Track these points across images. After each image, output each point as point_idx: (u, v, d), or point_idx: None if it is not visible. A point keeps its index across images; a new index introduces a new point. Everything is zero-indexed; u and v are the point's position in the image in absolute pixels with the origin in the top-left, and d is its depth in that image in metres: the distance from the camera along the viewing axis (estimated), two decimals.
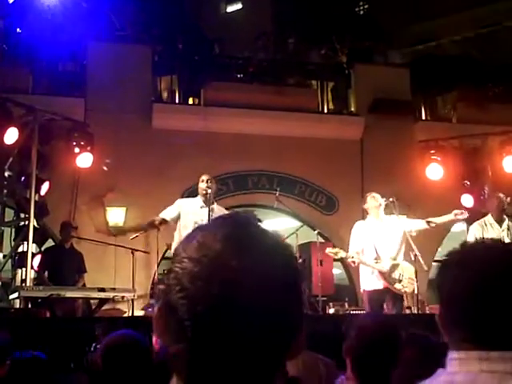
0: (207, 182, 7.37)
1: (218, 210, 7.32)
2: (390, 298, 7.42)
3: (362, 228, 7.61)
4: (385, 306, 7.47)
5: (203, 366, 0.87)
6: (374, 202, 7.62)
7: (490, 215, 8.07)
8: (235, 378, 0.87)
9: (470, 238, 7.93)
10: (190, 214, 7.28)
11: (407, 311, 7.94)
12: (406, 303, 7.81)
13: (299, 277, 0.93)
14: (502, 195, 8.07)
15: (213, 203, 7.34)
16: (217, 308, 0.86)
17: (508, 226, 7.94)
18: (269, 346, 0.88)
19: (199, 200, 7.46)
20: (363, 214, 8.64)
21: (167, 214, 7.41)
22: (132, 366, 3.00)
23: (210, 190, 7.28)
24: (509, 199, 8.10)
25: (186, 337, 0.87)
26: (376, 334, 2.71)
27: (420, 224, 7.72)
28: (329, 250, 7.70)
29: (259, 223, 0.95)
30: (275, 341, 0.89)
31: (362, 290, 7.65)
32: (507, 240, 7.67)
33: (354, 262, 7.46)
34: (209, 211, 7.13)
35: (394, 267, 7.45)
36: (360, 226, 7.67)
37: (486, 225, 7.97)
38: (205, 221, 7.10)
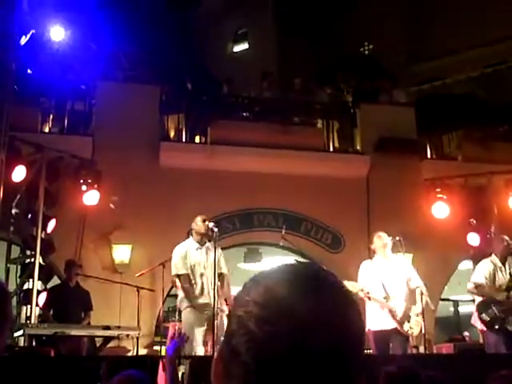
0: (207, 221, 7.48)
1: (212, 248, 7.36)
2: (396, 338, 7.35)
3: (369, 267, 7.59)
4: (390, 345, 7.40)
5: None
6: (380, 241, 7.61)
7: (494, 256, 8.02)
8: None
9: (482, 273, 7.82)
10: (187, 258, 7.42)
11: (414, 351, 7.86)
12: (412, 343, 7.73)
13: (363, 323, 0.93)
14: (507, 238, 8.02)
15: (205, 243, 7.44)
16: (284, 353, 0.83)
17: (510, 268, 7.89)
18: None
19: (192, 242, 7.56)
20: (369, 252, 8.61)
21: (181, 267, 7.46)
22: None
23: (211, 224, 7.36)
24: None
25: (250, 382, 0.85)
26: (402, 380, 2.73)
27: (416, 284, 7.59)
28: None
29: (326, 272, 0.94)
30: None
31: (367, 330, 7.56)
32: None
33: (368, 298, 7.39)
34: (215, 249, 7.20)
35: (403, 307, 7.39)
36: (367, 265, 7.65)
37: (494, 265, 7.92)
38: (202, 261, 7.24)
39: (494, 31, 17.56)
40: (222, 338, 0.94)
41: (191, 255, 7.42)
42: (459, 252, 10.56)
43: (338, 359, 0.85)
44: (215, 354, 0.94)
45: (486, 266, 7.90)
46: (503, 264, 7.90)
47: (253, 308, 0.87)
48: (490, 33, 17.63)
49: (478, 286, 7.77)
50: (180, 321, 8.26)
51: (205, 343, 7.20)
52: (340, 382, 0.86)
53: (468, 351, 8.30)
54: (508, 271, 7.85)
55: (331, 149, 12.03)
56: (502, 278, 7.81)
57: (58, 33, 10.63)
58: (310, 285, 0.89)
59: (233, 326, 0.89)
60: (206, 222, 7.46)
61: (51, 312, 8.41)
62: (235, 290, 7.94)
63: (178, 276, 7.45)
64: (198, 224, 7.51)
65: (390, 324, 7.31)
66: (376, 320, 7.37)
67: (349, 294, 0.93)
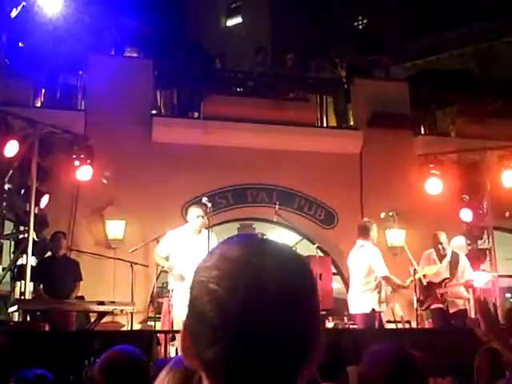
0: (203, 217, 7.64)
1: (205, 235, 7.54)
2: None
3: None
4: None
5: (237, 366, 0.92)
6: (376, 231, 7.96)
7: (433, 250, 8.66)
8: (265, 378, 0.93)
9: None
10: (181, 243, 7.54)
11: (407, 325, 7.95)
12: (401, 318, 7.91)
13: (315, 280, 1.01)
14: (438, 233, 8.44)
15: (200, 231, 7.67)
16: (242, 303, 0.91)
17: (449, 260, 8.40)
18: (291, 343, 0.94)
19: (189, 229, 7.74)
20: None
21: (163, 249, 7.83)
22: (130, 381, 3.01)
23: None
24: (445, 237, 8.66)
25: (217, 338, 0.92)
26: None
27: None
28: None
29: (270, 239, 1.03)
30: (298, 340, 0.94)
31: (370, 309, 7.64)
32: (446, 274, 8.14)
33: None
34: (208, 239, 7.40)
35: None
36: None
37: (430, 259, 8.58)
38: (196, 248, 7.32)
39: (489, 6, 17.47)
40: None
41: (186, 242, 7.58)
42: (452, 228, 10.59)
43: (290, 307, 0.93)
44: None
45: (422, 260, 8.59)
46: (440, 258, 8.52)
47: (211, 272, 0.96)
48: (485, 8, 17.54)
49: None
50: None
51: None
52: (295, 325, 0.94)
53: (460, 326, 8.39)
54: (445, 264, 8.49)
55: (325, 124, 12.00)
56: (433, 269, 8.38)
57: (50, 4, 10.50)
58: (257, 247, 0.99)
59: (195, 292, 0.97)
60: (199, 218, 7.58)
61: (41, 286, 8.38)
62: None
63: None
64: (194, 218, 7.67)
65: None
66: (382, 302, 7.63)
67: (293, 254, 1.01)
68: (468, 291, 8.60)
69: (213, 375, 0.94)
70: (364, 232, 7.89)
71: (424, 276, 8.01)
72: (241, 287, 0.92)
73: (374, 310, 7.57)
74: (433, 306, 8.27)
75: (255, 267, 0.94)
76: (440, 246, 8.51)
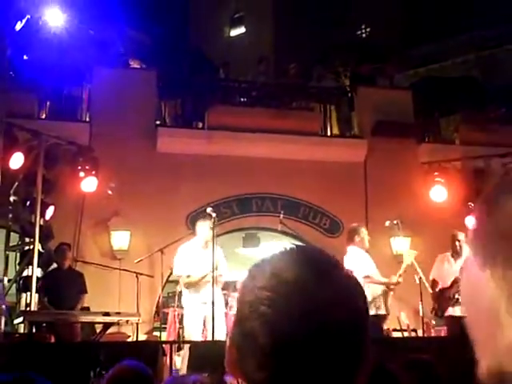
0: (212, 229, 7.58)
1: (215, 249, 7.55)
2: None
3: (367, 256, 7.75)
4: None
5: None
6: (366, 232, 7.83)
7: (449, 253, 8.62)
8: None
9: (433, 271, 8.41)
10: (192, 256, 7.54)
11: (413, 333, 7.92)
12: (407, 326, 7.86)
13: (365, 300, 0.98)
14: (456, 232, 8.37)
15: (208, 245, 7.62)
16: (297, 333, 0.87)
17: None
18: (345, 366, 0.90)
19: (198, 242, 7.72)
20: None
21: (181, 268, 7.70)
22: None
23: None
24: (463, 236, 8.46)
25: (267, 363, 0.88)
26: None
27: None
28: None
29: (324, 253, 0.99)
30: (351, 363, 0.91)
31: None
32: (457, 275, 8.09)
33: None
34: (213, 250, 7.32)
35: None
36: (365, 254, 7.78)
37: (446, 260, 8.51)
38: (205, 260, 7.29)
39: (489, 12, 17.50)
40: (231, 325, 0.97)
41: (196, 254, 7.58)
42: None
43: (349, 334, 0.90)
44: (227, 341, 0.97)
45: (436, 263, 8.51)
46: (455, 258, 8.43)
47: (262, 293, 0.91)
48: (485, 14, 17.57)
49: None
50: (179, 306, 8.34)
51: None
52: (353, 353, 0.91)
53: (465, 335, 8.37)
54: (459, 264, 8.33)
55: (329, 133, 12.01)
56: (448, 269, 8.34)
57: (55, 17, 10.56)
58: (313, 267, 0.93)
59: (244, 311, 0.92)
60: (211, 230, 7.53)
61: (46, 298, 8.39)
62: (235, 275, 7.99)
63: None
64: (201, 232, 7.62)
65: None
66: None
67: (348, 272, 0.97)
68: None
69: None
70: (349, 237, 7.82)
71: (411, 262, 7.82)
72: (295, 312, 0.88)
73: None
74: (446, 314, 8.15)
75: (311, 291, 0.89)
76: (457, 243, 8.32)
